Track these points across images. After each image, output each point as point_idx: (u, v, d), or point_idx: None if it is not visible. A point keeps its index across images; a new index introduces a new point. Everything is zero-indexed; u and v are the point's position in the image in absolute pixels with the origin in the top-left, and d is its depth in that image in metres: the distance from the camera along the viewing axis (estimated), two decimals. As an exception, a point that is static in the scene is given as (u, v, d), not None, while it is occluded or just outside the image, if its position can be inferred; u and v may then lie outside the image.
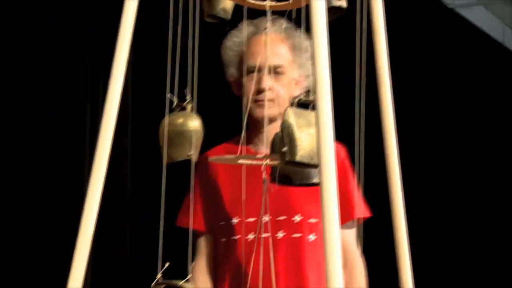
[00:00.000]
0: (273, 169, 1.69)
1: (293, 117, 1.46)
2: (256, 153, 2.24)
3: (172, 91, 1.59)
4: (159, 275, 1.40)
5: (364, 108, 1.56)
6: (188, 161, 1.74)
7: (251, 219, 2.22)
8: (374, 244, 2.43)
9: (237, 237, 2.25)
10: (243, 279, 2.23)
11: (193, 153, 1.59)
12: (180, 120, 1.57)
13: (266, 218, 2.22)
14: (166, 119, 1.56)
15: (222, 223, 2.28)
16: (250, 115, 2.25)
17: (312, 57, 1.35)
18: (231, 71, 2.32)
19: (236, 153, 2.27)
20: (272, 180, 1.69)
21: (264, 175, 1.61)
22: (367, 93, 1.56)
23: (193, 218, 2.32)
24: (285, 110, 1.48)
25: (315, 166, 1.45)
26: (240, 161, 1.66)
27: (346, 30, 1.71)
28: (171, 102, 1.55)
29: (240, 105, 2.32)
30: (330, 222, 1.32)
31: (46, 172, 2.92)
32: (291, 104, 1.49)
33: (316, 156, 1.45)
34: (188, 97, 1.59)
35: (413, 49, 4.53)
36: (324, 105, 1.34)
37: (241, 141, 2.08)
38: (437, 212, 5.96)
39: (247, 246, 2.22)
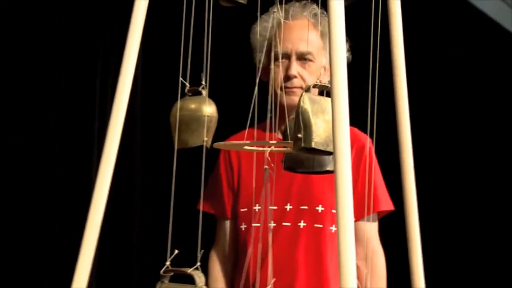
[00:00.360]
0: (286, 156, 1.66)
1: (309, 103, 1.43)
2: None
3: (184, 77, 1.57)
4: (168, 262, 1.38)
5: (376, 102, 1.52)
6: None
7: (273, 207, 2.20)
8: (393, 238, 2.39)
9: (258, 224, 2.22)
10: (262, 267, 2.21)
11: (208, 139, 1.56)
12: (195, 105, 1.54)
13: (288, 207, 2.20)
14: (178, 104, 1.52)
15: (244, 209, 2.26)
16: (277, 102, 2.23)
17: (329, 44, 1.32)
18: (259, 57, 2.29)
19: (262, 139, 2.25)
20: (285, 167, 1.66)
21: (265, 164, 1.58)
22: (381, 84, 1.52)
23: (215, 203, 2.31)
24: (301, 96, 1.44)
25: (330, 153, 1.42)
26: (246, 147, 1.62)
27: (361, 20, 1.67)
28: (184, 87, 1.52)
29: (267, 91, 2.29)
30: (344, 211, 1.27)
31: (53, 166, 2.92)
32: (307, 90, 1.45)
33: (331, 143, 1.41)
34: (203, 82, 1.56)
35: (421, 36, 4.43)
36: (340, 91, 1.30)
37: (267, 128, 2.06)
38: (449, 208, 5.89)
39: (268, 234, 2.20)
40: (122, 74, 1.40)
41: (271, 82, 2.22)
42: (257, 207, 2.23)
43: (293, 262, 2.19)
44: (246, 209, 2.26)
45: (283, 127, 2.25)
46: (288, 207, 2.20)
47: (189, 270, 1.35)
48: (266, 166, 1.58)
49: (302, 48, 2.20)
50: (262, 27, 2.27)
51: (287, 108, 2.20)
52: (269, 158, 1.60)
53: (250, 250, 2.20)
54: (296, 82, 2.21)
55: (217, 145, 1.58)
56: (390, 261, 2.32)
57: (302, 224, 2.20)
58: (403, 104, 1.61)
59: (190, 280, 1.37)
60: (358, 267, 2.27)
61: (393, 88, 1.58)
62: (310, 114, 1.42)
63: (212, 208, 2.31)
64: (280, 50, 2.19)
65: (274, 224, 2.20)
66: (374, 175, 2.25)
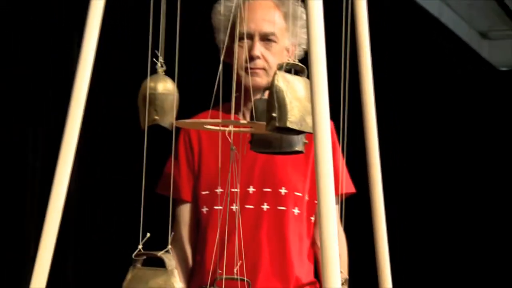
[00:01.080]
0: (253, 136, 1.62)
1: (283, 81, 1.40)
2: None
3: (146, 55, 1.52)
4: (140, 246, 1.34)
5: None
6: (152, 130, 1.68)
7: (235, 190, 2.17)
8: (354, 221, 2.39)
9: (220, 207, 2.19)
10: (224, 250, 2.18)
11: (158, 118, 1.51)
12: (151, 84, 1.50)
13: (251, 190, 2.18)
14: (148, 82, 1.48)
15: (205, 192, 2.22)
16: (239, 83, 2.19)
17: (307, 26, 1.29)
18: (221, 37, 2.25)
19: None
20: (252, 147, 1.63)
21: (231, 145, 1.55)
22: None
23: (174, 186, 2.27)
24: (274, 74, 1.41)
25: (305, 132, 1.40)
26: (206, 127, 1.59)
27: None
28: (154, 65, 1.47)
29: (229, 72, 2.25)
30: (325, 195, 1.24)
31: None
32: (280, 68, 1.42)
33: (305, 122, 1.39)
34: (161, 59, 1.51)
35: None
36: (319, 70, 1.28)
37: (232, 108, 2.02)
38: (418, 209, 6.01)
39: (231, 216, 2.17)
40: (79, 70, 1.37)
41: (234, 63, 2.18)
42: (219, 190, 2.20)
43: (256, 245, 2.16)
44: (207, 192, 2.22)
45: (244, 108, 2.22)
46: (251, 189, 2.17)
47: (160, 253, 1.32)
48: (233, 146, 1.54)
49: (266, 28, 2.16)
50: (225, 7, 2.23)
51: (248, 89, 2.17)
52: (230, 139, 1.57)
53: (216, 233, 2.18)
54: (259, 63, 2.17)
55: (179, 123, 1.53)
56: (351, 244, 2.32)
57: (265, 206, 2.17)
58: (369, 92, 1.60)
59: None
60: (319, 250, 2.27)
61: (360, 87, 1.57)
62: (285, 92, 1.39)
63: (170, 191, 2.26)
64: (245, 30, 2.15)
65: (237, 207, 2.17)
66: (336, 158, 2.23)
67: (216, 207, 2.19)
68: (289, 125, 1.38)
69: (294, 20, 2.19)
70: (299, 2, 2.19)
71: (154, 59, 1.46)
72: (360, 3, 1.59)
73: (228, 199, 2.06)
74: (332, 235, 1.21)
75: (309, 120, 1.39)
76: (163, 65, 1.47)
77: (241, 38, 2.17)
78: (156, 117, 1.46)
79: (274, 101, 1.39)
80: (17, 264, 3.00)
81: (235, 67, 2.15)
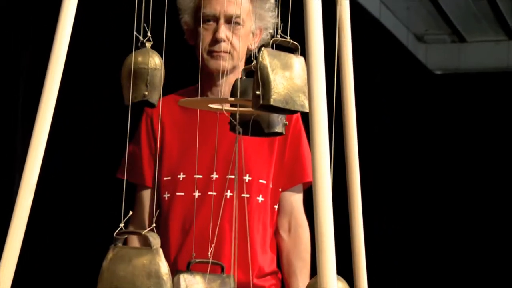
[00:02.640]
0: (231, 117, 1.57)
1: (268, 58, 1.36)
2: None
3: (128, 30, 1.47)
4: (121, 224, 1.29)
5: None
6: (134, 107, 1.63)
7: (198, 176, 2.12)
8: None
9: (182, 193, 2.14)
10: (186, 238, 2.13)
11: (148, 94, 1.45)
12: (139, 59, 1.43)
13: (214, 176, 2.12)
14: (132, 57, 1.41)
15: (167, 178, 2.17)
16: (203, 67, 2.15)
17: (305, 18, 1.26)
18: (186, 19, 2.20)
19: (185, 108, 2.16)
20: (231, 129, 1.57)
21: (237, 125, 1.49)
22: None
23: (135, 171, 2.21)
24: (259, 51, 1.37)
25: (291, 111, 1.36)
26: (210, 105, 1.52)
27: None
28: (137, 40, 1.41)
29: (193, 55, 2.21)
30: (321, 181, 1.21)
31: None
32: (266, 45, 1.38)
33: (291, 100, 1.35)
34: (148, 34, 1.46)
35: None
36: (316, 51, 1.25)
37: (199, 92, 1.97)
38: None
39: (193, 203, 2.12)
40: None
41: (200, 46, 2.13)
42: (181, 176, 2.15)
43: (219, 233, 2.11)
44: (169, 178, 2.17)
45: (209, 93, 2.18)
46: (214, 176, 2.12)
47: (144, 232, 1.27)
48: (239, 128, 1.48)
49: (231, 10, 2.10)
50: None
51: (214, 73, 2.13)
52: (235, 120, 1.51)
53: (179, 220, 2.13)
54: (224, 46, 2.12)
55: (181, 102, 1.48)
56: (314, 233, 2.29)
57: (228, 194, 2.12)
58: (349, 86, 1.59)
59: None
60: (282, 239, 2.24)
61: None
62: (269, 70, 1.35)
63: (132, 176, 2.20)
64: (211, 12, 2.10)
65: (200, 194, 2.12)
66: (302, 146, 2.21)
67: (178, 193, 2.14)
68: (272, 103, 1.33)
69: (261, 3, 2.16)
70: None
71: (136, 34, 1.41)
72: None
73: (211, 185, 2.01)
74: (328, 224, 1.18)
75: (297, 98, 1.35)
76: (151, 39, 1.42)
77: (206, 20, 2.12)
78: (146, 93, 1.40)
79: (258, 79, 1.35)
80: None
81: (201, 50, 2.11)
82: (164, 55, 1.45)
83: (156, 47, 1.57)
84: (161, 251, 1.25)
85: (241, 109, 1.49)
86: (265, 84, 1.35)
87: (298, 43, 1.39)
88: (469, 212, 6.80)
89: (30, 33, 2.99)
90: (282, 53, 1.38)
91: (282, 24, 1.68)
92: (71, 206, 3.23)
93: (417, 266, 6.55)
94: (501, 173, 6.82)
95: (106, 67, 3.26)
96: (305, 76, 1.37)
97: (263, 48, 1.37)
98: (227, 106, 1.51)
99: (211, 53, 2.11)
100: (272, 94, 1.34)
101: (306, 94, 1.37)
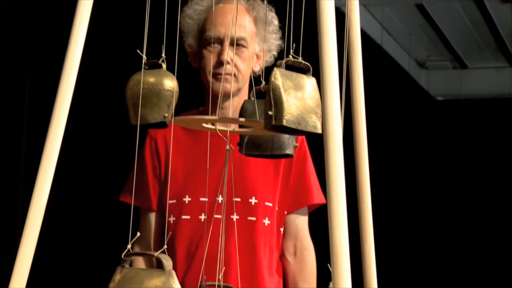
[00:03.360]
0: (241, 138, 1.55)
1: (281, 78, 1.34)
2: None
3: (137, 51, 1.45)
4: (129, 245, 1.26)
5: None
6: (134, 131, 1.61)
7: (204, 199, 2.10)
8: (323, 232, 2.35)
9: (188, 217, 2.11)
10: (192, 261, 2.11)
11: (168, 115, 1.43)
12: (154, 79, 1.41)
13: (220, 199, 2.09)
14: (141, 76, 1.39)
15: (172, 201, 2.14)
16: (207, 89, 2.13)
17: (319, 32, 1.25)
18: (190, 41, 2.18)
19: (190, 130, 2.14)
20: (240, 149, 1.55)
21: (228, 144, 1.47)
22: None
23: (140, 194, 2.18)
24: (272, 71, 1.35)
25: (303, 132, 1.34)
26: (204, 125, 1.50)
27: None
28: (141, 59, 1.39)
29: (197, 77, 2.19)
30: (336, 205, 1.19)
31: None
32: (279, 65, 1.37)
33: (303, 121, 1.34)
34: (163, 55, 1.44)
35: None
36: (330, 70, 1.24)
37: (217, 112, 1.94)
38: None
39: (199, 226, 2.09)
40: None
41: (204, 68, 2.11)
42: (187, 199, 2.12)
43: (225, 256, 2.08)
44: (174, 201, 2.14)
45: (213, 115, 2.15)
46: (220, 198, 2.10)
47: (156, 253, 1.24)
48: (228, 146, 1.47)
49: (236, 33, 2.08)
50: (194, 10, 2.17)
51: (219, 96, 2.11)
52: (224, 138, 1.49)
53: (185, 243, 2.10)
54: (229, 68, 2.09)
55: (177, 120, 1.45)
56: (319, 256, 2.26)
57: (234, 217, 2.10)
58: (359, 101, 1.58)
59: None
60: (287, 262, 2.22)
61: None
62: (282, 90, 1.33)
63: (136, 200, 2.17)
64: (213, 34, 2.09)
65: (205, 217, 2.09)
66: (307, 168, 2.19)
67: (183, 217, 2.12)
68: (285, 123, 1.32)
69: (265, 25, 2.14)
70: (270, 7, 2.15)
71: (138, 51, 1.39)
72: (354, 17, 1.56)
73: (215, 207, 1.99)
74: (343, 237, 1.16)
75: (309, 119, 1.33)
76: (165, 60, 1.40)
77: (210, 43, 2.11)
78: (166, 114, 1.38)
79: (271, 99, 1.34)
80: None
81: (208, 73, 2.10)
82: (176, 75, 1.43)
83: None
84: (174, 273, 1.23)
85: (237, 129, 1.47)
86: (278, 105, 1.33)
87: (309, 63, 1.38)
88: (469, 235, 6.80)
89: (33, 63, 2.98)
90: (294, 74, 1.37)
91: (294, 45, 1.68)
92: (72, 229, 3.20)
93: (426, 269, 6.55)
94: (503, 199, 6.81)
95: (107, 90, 3.26)
96: (317, 97, 1.35)
97: (275, 68, 1.36)
98: (226, 126, 1.49)
99: (215, 75, 2.09)
100: (285, 114, 1.33)
101: (318, 115, 1.36)
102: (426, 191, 6.89)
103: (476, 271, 6.75)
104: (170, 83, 1.40)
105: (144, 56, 1.42)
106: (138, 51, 1.42)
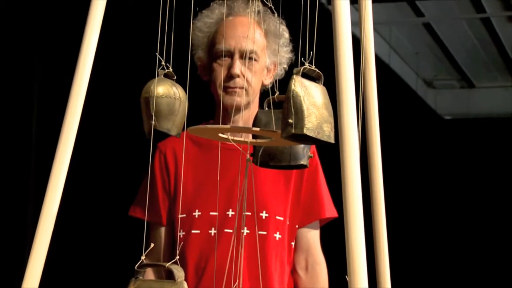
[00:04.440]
0: (255, 149, 1.52)
1: (300, 86, 1.31)
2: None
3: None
4: (142, 257, 1.23)
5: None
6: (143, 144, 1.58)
7: (213, 213, 2.06)
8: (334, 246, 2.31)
9: (197, 231, 2.08)
10: (202, 276, 2.07)
11: (171, 127, 1.41)
12: (168, 88, 1.38)
13: (230, 213, 2.06)
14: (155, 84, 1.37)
15: (182, 215, 2.10)
16: (218, 103, 2.10)
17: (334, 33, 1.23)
18: (199, 54, 2.15)
19: (199, 144, 2.11)
20: (254, 161, 1.52)
21: (248, 154, 1.43)
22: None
23: (149, 209, 2.15)
24: (291, 79, 1.33)
25: (320, 141, 1.31)
26: (220, 135, 1.46)
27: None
28: (159, 66, 1.37)
29: (206, 90, 2.16)
30: (352, 211, 1.16)
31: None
32: (297, 73, 1.34)
33: (322, 130, 1.31)
34: (170, 69, 1.41)
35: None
36: (346, 77, 1.21)
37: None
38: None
39: (209, 241, 2.06)
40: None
41: (214, 81, 2.08)
42: (196, 213, 2.09)
43: (236, 271, 2.04)
44: (184, 215, 2.10)
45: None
46: (230, 213, 2.06)
47: (168, 264, 1.21)
48: (249, 157, 1.43)
49: (246, 46, 2.05)
50: (203, 23, 2.14)
51: (229, 109, 2.08)
52: (241, 149, 1.46)
53: (195, 258, 2.07)
54: (239, 81, 2.06)
55: (191, 130, 1.42)
56: (331, 270, 2.22)
57: (245, 231, 2.06)
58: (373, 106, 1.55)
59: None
60: (299, 276, 2.18)
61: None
62: (302, 98, 1.30)
63: (146, 215, 2.14)
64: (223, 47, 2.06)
65: (215, 231, 2.06)
66: (319, 181, 2.16)
67: (193, 231, 2.08)
68: (306, 132, 1.29)
69: (276, 38, 2.11)
70: (281, 20, 2.12)
71: (161, 61, 1.36)
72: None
73: (236, 221, 1.96)
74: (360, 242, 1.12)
75: (326, 128, 1.31)
76: (165, 68, 1.37)
77: (220, 56, 2.08)
78: (153, 122, 1.35)
79: (291, 107, 1.30)
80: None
81: (216, 85, 2.07)
82: (187, 88, 1.41)
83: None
84: (185, 283, 1.19)
85: (254, 140, 1.44)
86: (298, 113, 1.30)
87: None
88: (475, 250, 6.78)
89: (40, 79, 2.97)
90: (313, 83, 1.34)
91: (311, 53, 1.66)
92: (80, 242, 3.17)
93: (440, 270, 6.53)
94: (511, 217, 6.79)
95: (118, 102, 3.23)
96: (330, 106, 1.34)
97: (294, 76, 1.33)
98: (239, 137, 1.46)
99: (225, 89, 2.06)
100: (305, 123, 1.30)
101: (332, 124, 1.34)
102: (434, 210, 6.86)
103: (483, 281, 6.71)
104: (180, 93, 1.37)
105: (165, 64, 1.40)
106: (157, 54, 1.40)
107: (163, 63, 1.39)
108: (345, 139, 1.21)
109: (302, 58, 1.34)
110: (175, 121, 1.41)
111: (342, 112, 1.23)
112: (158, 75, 1.40)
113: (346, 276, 1.26)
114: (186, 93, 1.40)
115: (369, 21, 1.53)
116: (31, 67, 2.94)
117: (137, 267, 1.22)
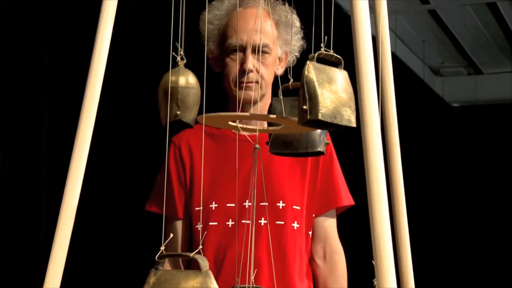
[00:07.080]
0: (272, 136, 1.51)
1: (314, 72, 1.31)
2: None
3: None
4: (162, 247, 1.22)
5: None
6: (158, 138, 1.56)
7: (230, 204, 2.06)
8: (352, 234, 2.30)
9: (215, 223, 2.07)
10: (221, 268, 2.06)
11: (180, 113, 1.39)
12: (172, 78, 1.37)
13: (247, 204, 2.05)
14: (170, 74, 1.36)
15: (199, 208, 2.10)
16: (232, 96, 2.10)
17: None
18: (210, 46, 2.13)
19: (214, 136, 2.11)
20: (271, 149, 1.50)
21: (256, 143, 1.42)
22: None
23: (166, 203, 2.15)
24: (305, 64, 1.32)
25: (338, 126, 1.30)
26: (230, 123, 1.45)
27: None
28: (175, 56, 1.36)
29: (218, 81, 2.16)
30: (377, 206, 1.15)
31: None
32: (311, 59, 1.33)
33: (339, 115, 1.30)
34: (181, 52, 1.40)
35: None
36: (366, 61, 1.21)
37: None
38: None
39: (227, 232, 2.05)
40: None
41: (227, 75, 2.07)
42: (213, 205, 2.08)
43: (255, 262, 2.03)
44: (201, 208, 2.10)
45: (237, 121, 2.11)
46: (247, 203, 2.05)
47: (192, 254, 1.20)
48: (257, 145, 1.43)
49: (258, 40, 2.02)
50: (213, 15, 2.13)
51: (243, 103, 2.07)
52: (256, 138, 1.45)
53: (213, 250, 2.07)
54: (252, 76, 2.04)
55: (200, 118, 1.41)
56: (349, 259, 2.22)
57: (262, 221, 2.05)
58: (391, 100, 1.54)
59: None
60: (317, 266, 2.17)
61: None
62: (316, 83, 1.29)
63: (162, 208, 2.13)
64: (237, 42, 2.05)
65: (233, 223, 2.05)
66: (334, 170, 2.15)
67: (211, 223, 2.08)
68: (320, 117, 1.28)
69: (286, 28, 2.10)
70: (291, 9, 2.10)
71: (174, 53, 1.36)
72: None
73: (254, 211, 1.95)
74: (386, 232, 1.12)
75: (344, 113, 1.30)
76: (184, 57, 1.36)
77: (232, 51, 2.07)
78: (178, 112, 1.34)
79: (305, 93, 1.30)
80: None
81: (231, 81, 2.07)
82: (204, 79, 1.40)
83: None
84: (211, 273, 1.19)
85: (267, 128, 1.43)
86: (313, 98, 1.29)
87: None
88: (485, 238, 6.76)
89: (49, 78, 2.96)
90: (327, 67, 1.33)
91: (326, 38, 1.65)
92: (96, 238, 3.17)
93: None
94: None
95: (133, 97, 3.23)
96: (351, 90, 1.33)
97: (308, 62, 1.32)
98: (248, 123, 1.45)
99: (239, 84, 2.05)
100: (320, 108, 1.29)
101: (352, 108, 1.33)
102: (442, 198, 6.84)
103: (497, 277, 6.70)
104: (194, 82, 1.37)
105: (181, 53, 1.39)
106: (177, 44, 1.39)
107: (181, 53, 1.38)
108: (367, 123, 1.20)
109: (321, 44, 1.33)
110: (196, 112, 1.41)
111: (363, 97, 1.22)
112: (178, 65, 1.39)
113: (373, 281, 1.25)
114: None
115: (383, 5, 1.53)
116: (40, 59, 2.94)
117: (157, 258, 1.22)
